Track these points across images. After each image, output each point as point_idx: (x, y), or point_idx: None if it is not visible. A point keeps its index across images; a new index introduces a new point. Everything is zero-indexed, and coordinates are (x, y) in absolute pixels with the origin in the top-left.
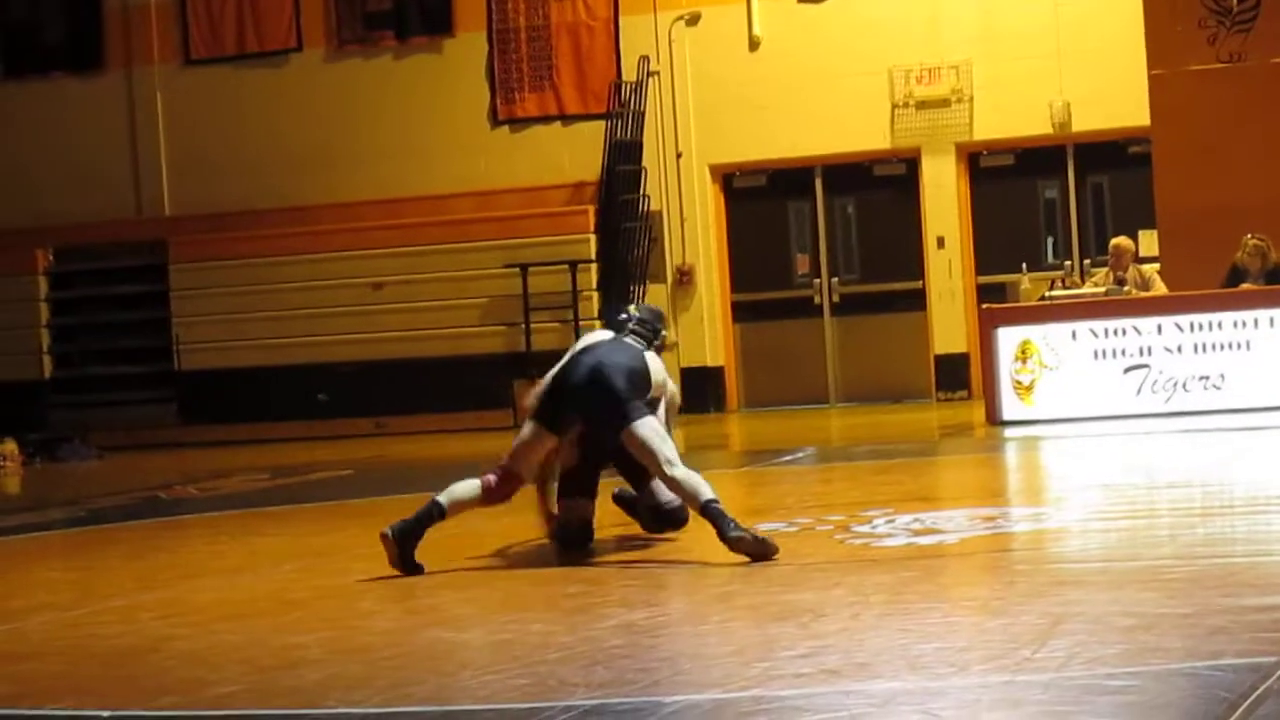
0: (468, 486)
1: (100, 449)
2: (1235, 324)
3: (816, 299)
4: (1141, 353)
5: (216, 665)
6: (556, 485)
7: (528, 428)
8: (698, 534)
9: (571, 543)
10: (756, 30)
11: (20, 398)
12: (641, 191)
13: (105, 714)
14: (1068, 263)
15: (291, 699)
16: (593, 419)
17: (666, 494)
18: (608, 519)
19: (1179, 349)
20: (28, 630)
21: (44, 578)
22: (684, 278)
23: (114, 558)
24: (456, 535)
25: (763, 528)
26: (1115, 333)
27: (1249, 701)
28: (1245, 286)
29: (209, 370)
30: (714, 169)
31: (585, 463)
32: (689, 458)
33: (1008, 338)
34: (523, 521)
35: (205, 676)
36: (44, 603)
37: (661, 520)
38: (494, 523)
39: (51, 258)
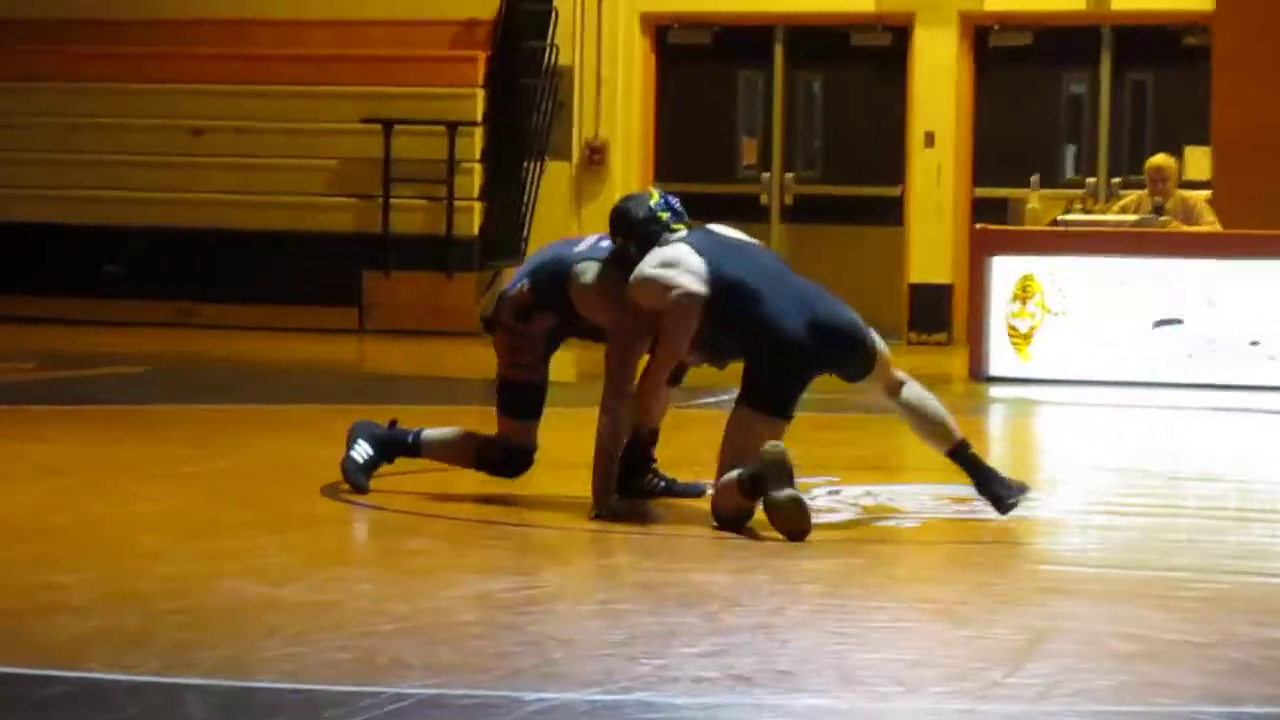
0: None
1: None
2: None
3: (764, 199)
4: (1176, 303)
5: None
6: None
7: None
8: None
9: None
10: None
11: None
12: (549, 40)
13: None
14: (1091, 180)
15: (41, 656)
16: None
17: None
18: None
19: (1224, 302)
20: None
21: None
22: (594, 156)
23: None
24: (288, 468)
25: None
26: (1145, 275)
27: None
28: None
29: None
30: (645, 18)
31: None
32: (567, 392)
33: (1005, 270)
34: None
35: None
36: None
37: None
38: (329, 448)
39: None
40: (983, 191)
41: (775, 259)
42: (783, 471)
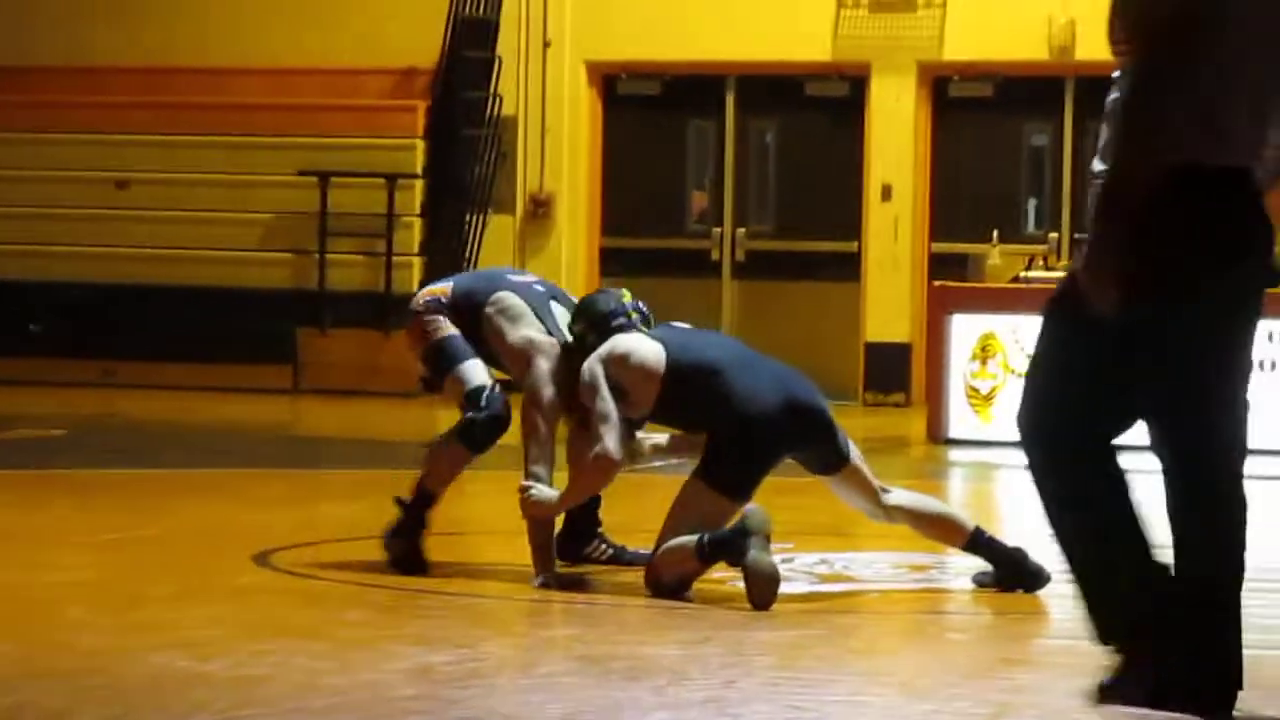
0: None
1: None
2: (1270, 335)
3: (715, 254)
4: None
5: None
6: None
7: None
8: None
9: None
10: None
11: None
12: (492, 89)
13: None
14: (1053, 235)
15: None
16: None
17: None
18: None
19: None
20: None
21: None
22: (539, 209)
23: None
24: (216, 536)
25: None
26: None
27: None
28: None
29: None
30: (592, 67)
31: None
32: (507, 455)
33: (965, 328)
34: (296, 517)
35: None
36: None
37: None
38: (259, 514)
39: None
40: (941, 247)
41: (743, 346)
42: (766, 538)
